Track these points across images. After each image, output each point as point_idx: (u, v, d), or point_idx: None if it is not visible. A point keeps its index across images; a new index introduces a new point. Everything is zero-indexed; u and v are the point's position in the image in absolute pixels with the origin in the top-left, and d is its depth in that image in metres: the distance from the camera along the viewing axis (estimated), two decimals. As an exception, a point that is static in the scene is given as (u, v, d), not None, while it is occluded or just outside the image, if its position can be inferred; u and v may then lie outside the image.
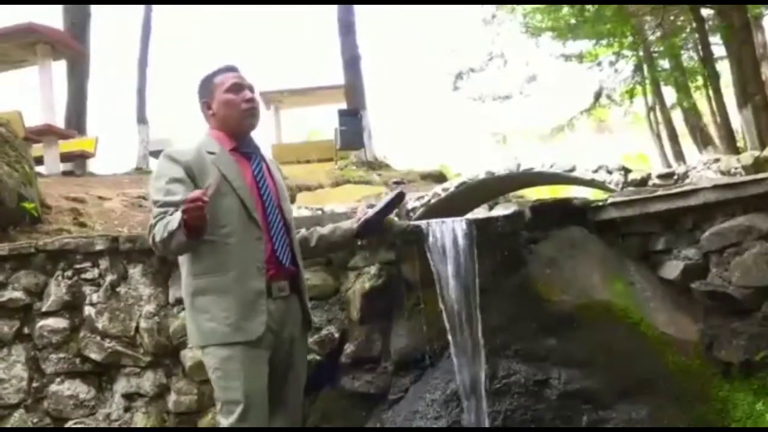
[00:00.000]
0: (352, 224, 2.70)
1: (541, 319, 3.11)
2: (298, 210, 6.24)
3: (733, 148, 9.58)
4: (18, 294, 3.69)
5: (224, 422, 2.33)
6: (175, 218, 2.20)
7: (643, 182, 5.72)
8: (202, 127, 2.61)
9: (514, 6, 14.70)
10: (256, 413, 2.31)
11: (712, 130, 14.26)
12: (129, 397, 3.58)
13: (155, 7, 14.40)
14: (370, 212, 2.66)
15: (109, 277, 3.68)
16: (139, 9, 14.27)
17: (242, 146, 2.54)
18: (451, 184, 7.10)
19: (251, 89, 2.55)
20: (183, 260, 2.44)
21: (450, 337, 3.05)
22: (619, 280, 3.29)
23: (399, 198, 2.63)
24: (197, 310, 2.38)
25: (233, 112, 2.50)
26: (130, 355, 3.59)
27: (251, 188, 2.46)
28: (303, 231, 2.70)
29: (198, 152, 2.45)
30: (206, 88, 2.57)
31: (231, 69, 2.58)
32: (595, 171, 6.33)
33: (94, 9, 14.96)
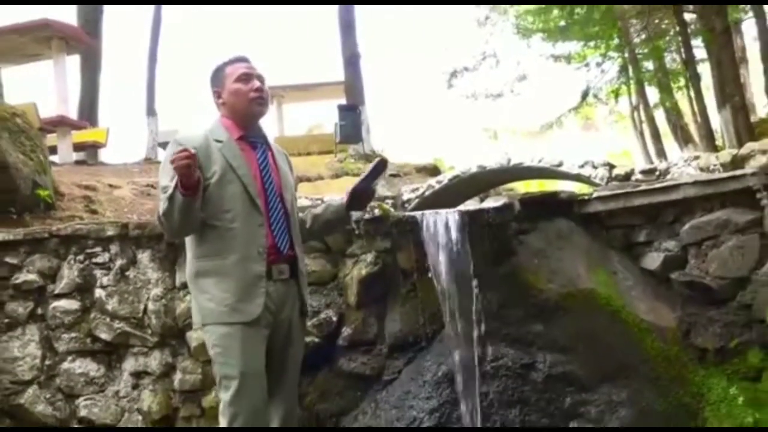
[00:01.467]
0: (343, 198, 2.68)
1: (529, 306, 3.11)
2: (298, 200, 6.21)
3: (712, 146, 9.56)
4: (32, 276, 3.69)
5: (223, 396, 2.32)
6: (171, 185, 2.21)
7: (626, 177, 5.73)
8: (210, 120, 2.59)
9: (507, 8, 14.63)
10: (253, 389, 2.31)
11: (693, 129, 14.23)
12: (137, 375, 3.59)
13: (165, 5, 14.30)
14: (357, 181, 2.65)
15: (119, 262, 3.67)
16: (150, 6, 14.19)
17: (250, 135, 2.52)
18: (444, 177, 7.10)
19: (261, 79, 2.52)
20: (189, 244, 2.44)
21: (445, 322, 3.05)
22: (602, 270, 3.30)
23: (382, 164, 2.60)
24: (199, 290, 2.38)
25: (241, 101, 2.48)
26: (138, 336, 3.59)
27: (255, 177, 2.45)
28: (300, 214, 2.68)
29: (206, 139, 2.43)
30: (217, 77, 2.55)
31: (242, 59, 2.56)
32: (582, 166, 6.34)
33: (107, 6, 14.87)
